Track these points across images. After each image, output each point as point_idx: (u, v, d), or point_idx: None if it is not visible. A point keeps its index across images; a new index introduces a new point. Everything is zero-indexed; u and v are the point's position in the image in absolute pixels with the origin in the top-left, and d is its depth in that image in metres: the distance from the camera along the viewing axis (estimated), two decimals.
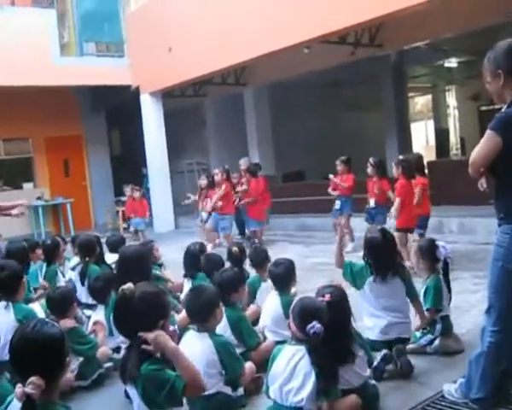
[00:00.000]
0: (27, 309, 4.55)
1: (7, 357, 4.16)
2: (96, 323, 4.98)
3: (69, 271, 6.52)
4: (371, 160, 8.83)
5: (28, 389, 2.23)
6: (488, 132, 3.15)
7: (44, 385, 2.28)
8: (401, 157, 7.66)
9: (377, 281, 4.18)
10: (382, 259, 4.22)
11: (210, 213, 10.70)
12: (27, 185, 16.31)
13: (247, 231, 11.24)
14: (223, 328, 4.13)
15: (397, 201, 7.35)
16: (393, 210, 7.42)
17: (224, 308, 4.03)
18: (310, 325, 3.09)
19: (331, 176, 9.58)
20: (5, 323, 4.34)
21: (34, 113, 15.39)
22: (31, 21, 13.78)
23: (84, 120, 17.14)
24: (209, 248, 9.79)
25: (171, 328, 4.40)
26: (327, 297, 3.44)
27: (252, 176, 10.88)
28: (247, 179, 10.97)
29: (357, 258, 6.30)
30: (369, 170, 8.80)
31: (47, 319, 2.71)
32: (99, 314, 5.05)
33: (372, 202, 8.65)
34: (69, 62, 14.47)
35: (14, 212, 7.20)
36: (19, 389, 2.26)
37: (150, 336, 2.79)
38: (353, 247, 9.19)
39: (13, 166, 16.64)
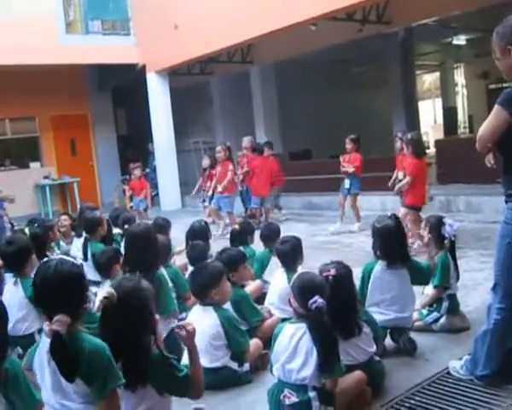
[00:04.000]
0: None
1: (20, 332, 4.27)
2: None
3: (75, 249, 6.52)
4: (399, 134, 8.87)
5: (55, 327, 2.41)
6: (496, 107, 3.12)
7: (70, 321, 2.45)
8: (410, 135, 7.60)
9: (384, 270, 4.15)
10: (393, 247, 4.17)
11: (212, 194, 10.76)
12: (34, 164, 16.35)
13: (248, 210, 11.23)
14: (226, 307, 4.15)
15: (407, 178, 7.29)
16: (400, 185, 7.41)
17: None
18: (312, 300, 3.08)
19: (341, 158, 9.52)
20: (15, 299, 4.37)
21: (40, 92, 15.37)
22: (36, 0, 13.70)
23: (91, 98, 17.13)
24: (220, 228, 9.92)
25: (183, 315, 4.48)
26: (332, 271, 3.45)
27: (258, 154, 10.93)
28: (248, 156, 11.00)
29: (365, 237, 6.33)
30: (398, 145, 8.82)
31: (66, 258, 2.73)
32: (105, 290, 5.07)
33: (401, 175, 8.55)
34: (75, 41, 14.43)
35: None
36: (47, 326, 2.45)
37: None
38: (360, 226, 9.19)
39: (19, 145, 16.70)
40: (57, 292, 2.53)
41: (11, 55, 12.85)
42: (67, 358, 2.44)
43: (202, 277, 3.90)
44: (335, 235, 9.13)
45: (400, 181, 8.39)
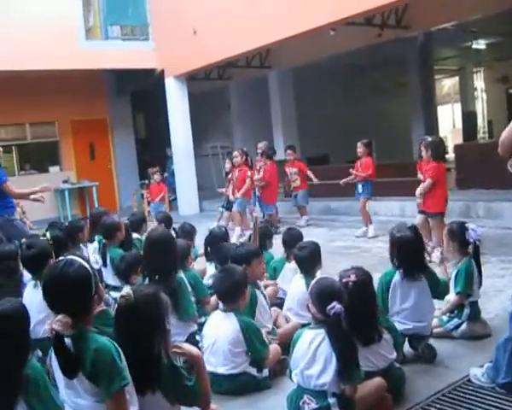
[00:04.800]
0: None
1: (39, 335, 4.30)
2: None
3: (90, 252, 6.54)
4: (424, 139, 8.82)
5: (55, 326, 2.54)
6: None
7: (71, 322, 2.56)
8: (429, 139, 7.54)
9: (402, 280, 4.10)
10: (412, 257, 4.13)
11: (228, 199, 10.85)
12: (53, 169, 16.47)
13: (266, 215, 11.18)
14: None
15: (428, 181, 7.15)
16: (420, 188, 7.28)
17: None
18: (330, 306, 3.07)
19: (352, 171, 9.47)
20: (35, 302, 4.38)
21: (60, 96, 15.50)
22: (57, 5, 13.82)
23: (110, 103, 17.23)
24: (234, 237, 9.92)
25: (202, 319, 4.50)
26: (352, 278, 3.43)
27: (267, 159, 10.95)
28: (264, 162, 11.01)
29: (383, 243, 6.29)
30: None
31: (76, 258, 2.79)
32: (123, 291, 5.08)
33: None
34: (94, 46, 14.54)
35: (31, 197, 7.37)
36: (48, 326, 2.58)
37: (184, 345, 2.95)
38: (374, 229, 9.14)
39: (39, 149, 16.85)
40: (62, 293, 2.65)
41: (32, 60, 13.00)
42: (68, 356, 2.55)
43: (233, 282, 3.87)
44: (361, 238, 9.10)
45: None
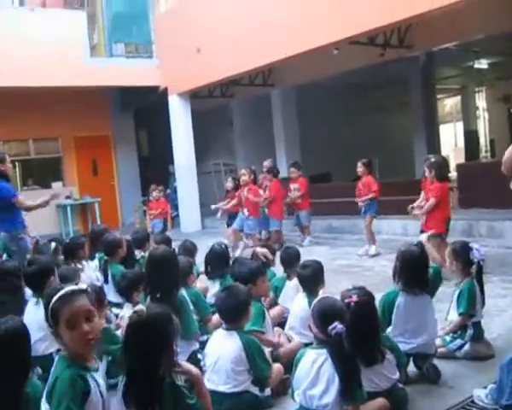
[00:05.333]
0: None
1: (39, 352, 4.28)
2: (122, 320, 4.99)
3: (88, 269, 6.51)
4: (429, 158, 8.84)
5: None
6: None
7: None
8: (433, 159, 7.55)
9: (406, 298, 4.10)
10: (417, 275, 4.14)
11: (230, 216, 10.81)
12: (56, 184, 16.48)
13: (263, 233, 11.14)
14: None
15: (432, 200, 7.17)
16: (424, 208, 7.28)
17: None
18: (331, 326, 3.07)
19: (358, 201, 9.48)
20: (35, 319, 4.37)
21: (64, 113, 15.60)
22: (61, 23, 14.00)
23: (113, 119, 17.31)
24: (239, 250, 9.91)
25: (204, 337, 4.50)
26: (354, 298, 3.42)
27: (273, 177, 11.00)
28: (270, 180, 11.07)
29: (386, 261, 6.28)
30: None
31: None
32: (127, 313, 5.07)
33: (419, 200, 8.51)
34: (99, 63, 14.64)
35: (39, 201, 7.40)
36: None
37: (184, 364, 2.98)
38: (376, 249, 9.14)
39: (42, 165, 16.92)
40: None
41: (36, 77, 13.09)
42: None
43: (237, 302, 3.85)
44: (365, 256, 9.09)
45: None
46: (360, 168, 9.46)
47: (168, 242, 6.80)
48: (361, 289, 3.58)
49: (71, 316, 2.54)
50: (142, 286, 4.86)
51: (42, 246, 7.24)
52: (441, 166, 7.37)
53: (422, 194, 8.99)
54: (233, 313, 3.79)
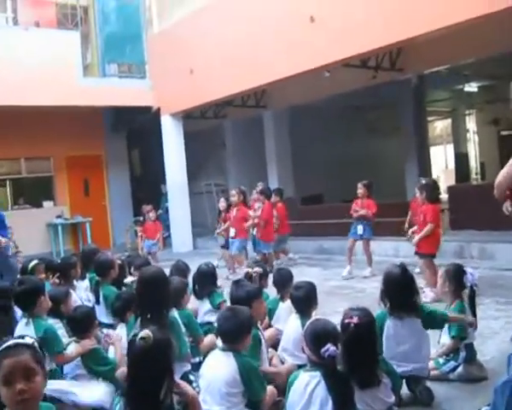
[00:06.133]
0: (47, 325, 4.53)
1: None
2: (111, 340, 4.93)
3: (79, 289, 6.45)
4: (422, 180, 8.90)
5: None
6: None
7: None
8: (423, 182, 7.60)
9: (395, 322, 4.09)
10: (401, 296, 4.12)
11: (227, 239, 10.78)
12: (47, 203, 16.45)
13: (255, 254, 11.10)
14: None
15: (429, 226, 7.19)
16: (422, 234, 7.30)
17: None
18: (324, 348, 3.05)
19: (360, 210, 9.48)
20: None
21: (56, 132, 15.59)
22: (55, 43, 14.05)
23: (105, 139, 17.29)
24: (230, 270, 9.87)
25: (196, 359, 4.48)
26: (354, 320, 3.40)
27: (265, 198, 10.93)
28: (263, 202, 10.99)
29: (377, 283, 6.28)
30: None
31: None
32: (120, 333, 5.03)
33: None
34: (92, 83, 14.69)
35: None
36: None
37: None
38: (371, 271, 9.15)
39: (34, 184, 16.86)
40: None
41: (29, 96, 13.10)
42: None
43: (238, 323, 3.78)
44: (348, 279, 9.09)
45: (410, 226, 8.48)
46: (360, 189, 9.44)
47: (187, 269, 6.65)
48: (362, 311, 3.54)
49: (7, 372, 2.35)
50: (133, 306, 4.83)
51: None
52: (433, 189, 7.41)
53: (409, 214, 9.08)
54: (233, 334, 3.74)
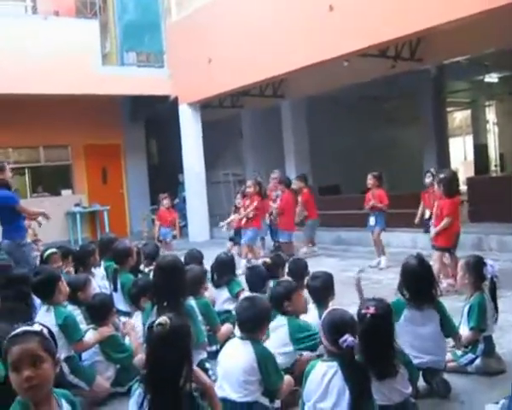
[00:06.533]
0: (67, 313, 4.59)
1: None
2: (129, 328, 4.98)
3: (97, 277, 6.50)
4: (432, 170, 8.86)
5: None
6: None
7: None
8: (443, 174, 7.51)
9: (412, 312, 4.08)
10: (418, 287, 4.11)
11: (236, 231, 10.77)
12: (66, 192, 16.58)
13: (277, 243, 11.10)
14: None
15: (446, 220, 7.11)
16: (438, 228, 7.24)
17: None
18: (342, 339, 3.03)
19: (371, 202, 9.48)
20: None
21: (74, 121, 15.68)
22: (74, 32, 14.12)
23: (124, 128, 17.37)
24: (243, 264, 9.83)
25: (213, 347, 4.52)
26: (371, 310, 3.39)
27: (285, 187, 10.92)
28: (282, 190, 10.97)
29: (394, 274, 6.26)
30: (428, 180, 8.81)
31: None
32: (136, 321, 5.07)
33: (428, 214, 8.59)
34: (110, 72, 14.75)
35: (39, 218, 7.45)
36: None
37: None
38: (386, 260, 9.11)
39: (52, 172, 17.00)
40: None
41: (48, 84, 13.19)
42: None
43: (256, 313, 3.81)
44: (373, 268, 9.06)
45: (428, 219, 8.44)
46: (370, 180, 9.48)
47: (201, 256, 6.70)
48: (380, 302, 3.53)
49: (15, 359, 2.39)
50: (149, 293, 4.87)
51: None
52: (450, 182, 7.31)
53: (421, 206, 9.01)
54: (252, 324, 3.76)
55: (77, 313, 4.92)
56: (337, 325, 3.17)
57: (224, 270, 5.77)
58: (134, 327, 4.91)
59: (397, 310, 4.07)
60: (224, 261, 5.88)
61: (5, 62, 12.68)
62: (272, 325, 4.13)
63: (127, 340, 4.88)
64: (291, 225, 10.74)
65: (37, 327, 2.52)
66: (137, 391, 2.88)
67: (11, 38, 13.04)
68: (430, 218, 8.47)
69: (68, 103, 14.98)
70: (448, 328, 4.16)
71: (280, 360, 4.02)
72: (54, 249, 6.52)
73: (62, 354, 4.29)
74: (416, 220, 9.09)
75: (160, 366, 2.79)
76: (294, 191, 11.19)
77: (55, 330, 4.34)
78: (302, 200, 11.09)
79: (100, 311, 4.77)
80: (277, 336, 4.23)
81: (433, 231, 7.42)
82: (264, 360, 3.64)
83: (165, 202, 12.28)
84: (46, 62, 13.08)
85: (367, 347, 3.10)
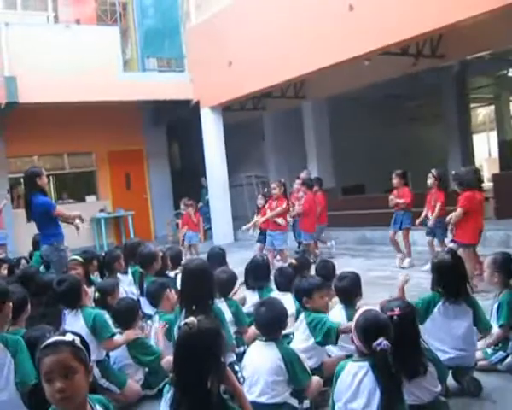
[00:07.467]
0: (95, 312, 4.66)
1: None
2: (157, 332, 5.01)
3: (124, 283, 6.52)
4: (434, 171, 8.77)
5: None
6: None
7: None
8: (453, 172, 7.51)
9: (446, 306, 4.07)
10: (453, 282, 4.12)
11: (261, 232, 10.73)
12: (90, 198, 16.76)
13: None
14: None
15: (458, 210, 7.08)
16: (452, 219, 7.19)
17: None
18: (376, 342, 3.01)
19: (391, 197, 9.43)
20: (75, 328, 4.42)
21: (97, 128, 15.85)
22: (95, 39, 14.26)
23: (146, 133, 17.50)
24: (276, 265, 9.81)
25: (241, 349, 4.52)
26: (396, 311, 3.38)
27: (308, 189, 10.86)
28: (304, 192, 10.92)
29: (420, 273, 6.21)
30: (430, 181, 8.73)
31: None
32: (155, 322, 5.09)
33: (430, 215, 8.57)
34: (131, 78, 14.85)
35: (76, 221, 7.48)
36: None
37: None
38: (411, 261, 9.05)
39: (76, 179, 17.23)
40: None
41: (71, 92, 13.33)
42: None
43: (274, 316, 3.86)
44: (406, 268, 8.99)
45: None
46: (395, 179, 9.44)
47: (224, 252, 6.74)
48: (403, 302, 3.54)
49: (48, 370, 2.38)
50: (168, 292, 5.07)
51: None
52: (462, 177, 7.27)
53: (425, 209, 8.88)
54: (269, 326, 3.80)
55: (106, 317, 4.95)
56: (371, 328, 3.14)
57: (258, 274, 5.73)
58: (159, 329, 4.93)
59: (431, 303, 4.11)
60: (260, 265, 5.83)
61: (28, 72, 12.85)
62: (295, 324, 4.14)
63: (153, 342, 4.92)
64: (313, 227, 10.72)
65: (69, 337, 2.50)
66: (169, 393, 2.90)
67: (34, 47, 13.23)
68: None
69: (91, 111, 15.13)
70: (483, 322, 4.15)
71: (307, 361, 4.02)
72: (74, 256, 6.58)
73: (93, 357, 4.32)
74: (418, 222, 8.98)
75: (186, 368, 2.77)
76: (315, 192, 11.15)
77: (85, 332, 4.42)
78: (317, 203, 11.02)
79: (125, 316, 4.81)
80: (299, 333, 4.31)
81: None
82: (290, 358, 3.65)
83: (190, 210, 12.32)
84: (68, 71, 13.22)
85: (395, 348, 3.07)
